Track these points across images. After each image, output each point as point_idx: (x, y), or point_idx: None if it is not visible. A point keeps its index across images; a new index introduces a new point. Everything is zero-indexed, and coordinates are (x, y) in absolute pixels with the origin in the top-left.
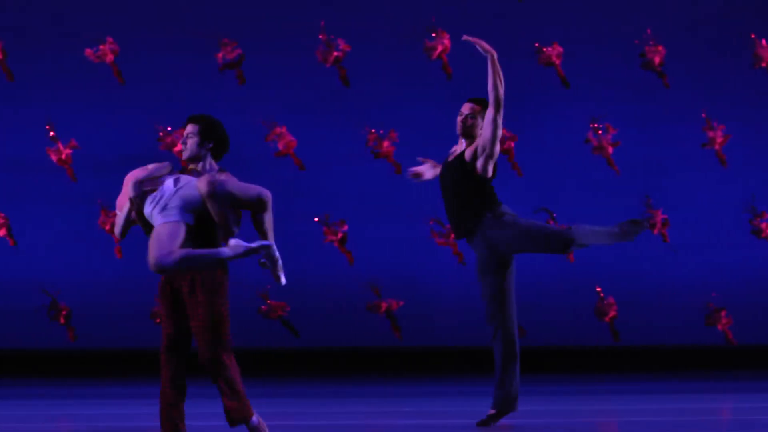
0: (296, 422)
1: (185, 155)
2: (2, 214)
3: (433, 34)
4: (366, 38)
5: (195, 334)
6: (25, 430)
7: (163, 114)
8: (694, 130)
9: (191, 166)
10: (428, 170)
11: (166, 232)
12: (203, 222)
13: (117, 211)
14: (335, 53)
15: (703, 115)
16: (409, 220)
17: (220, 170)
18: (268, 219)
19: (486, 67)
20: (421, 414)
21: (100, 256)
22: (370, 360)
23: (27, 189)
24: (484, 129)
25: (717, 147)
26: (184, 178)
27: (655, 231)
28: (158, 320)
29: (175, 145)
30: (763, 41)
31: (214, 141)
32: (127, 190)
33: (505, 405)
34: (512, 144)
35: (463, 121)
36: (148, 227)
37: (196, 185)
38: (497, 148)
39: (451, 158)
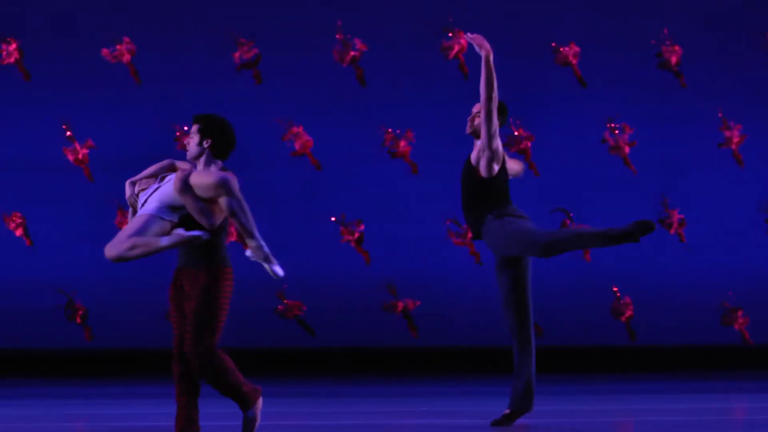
0: (312, 422)
1: (187, 155)
2: (19, 214)
3: (450, 34)
4: (383, 38)
5: (186, 327)
6: (42, 430)
7: (180, 114)
8: (710, 129)
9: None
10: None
11: (132, 223)
12: (190, 219)
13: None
14: (352, 53)
15: (720, 115)
16: (426, 219)
17: (223, 168)
18: (236, 205)
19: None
20: (437, 414)
21: None
22: (386, 360)
23: (44, 189)
24: (480, 129)
25: (733, 147)
26: (169, 176)
27: (672, 231)
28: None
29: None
30: None
31: (212, 139)
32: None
33: (520, 404)
34: (529, 144)
35: (471, 120)
36: None
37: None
38: (495, 146)
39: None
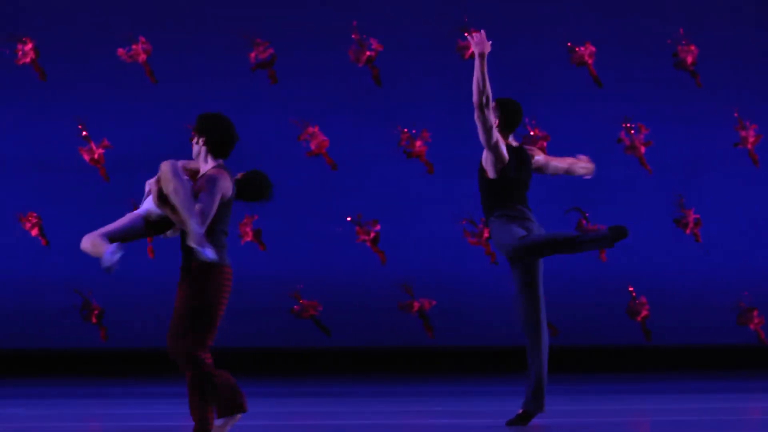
0: (328, 421)
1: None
2: (35, 214)
3: (466, 34)
4: (398, 38)
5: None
6: (58, 429)
7: (196, 113)
8: (726, 129)
9: None
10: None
11: (118, 221)
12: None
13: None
14: (368, 53)
15: (735, 115)
16: (442, 219)
17: (218, 166)
18: (170, 188)
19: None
20: (453, 413)
21: (132, 256)
22: (402, 359)
23: (59, 188)
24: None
25: (749, 146)
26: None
27: (687, 231)
28: None
29: None
30: None
31: (205, 137)
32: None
33: (531, 405)
34: (544, 144)
35: None
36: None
37: None
38: (491, 146)
39: None
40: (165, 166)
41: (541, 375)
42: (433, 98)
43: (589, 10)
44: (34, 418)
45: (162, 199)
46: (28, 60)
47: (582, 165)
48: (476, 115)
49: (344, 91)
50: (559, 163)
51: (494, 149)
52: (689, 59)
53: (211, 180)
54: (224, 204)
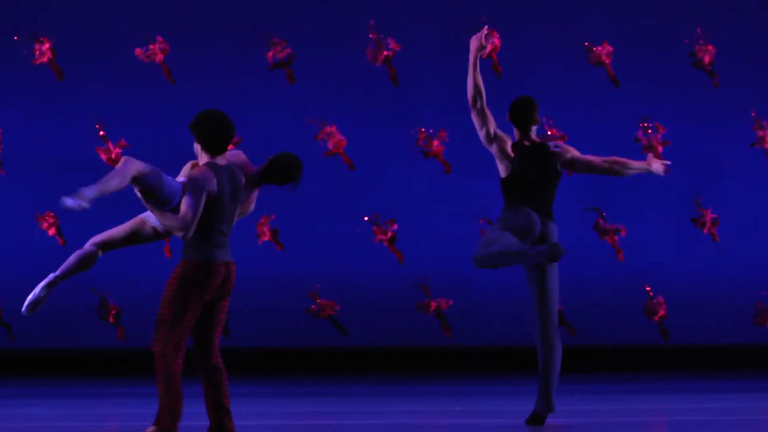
0: (345, 421)
1: None
2: (52, 214)
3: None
4: (416, 37)
5: None
6: (75, 429)
7: None
8: (743, 129)
9: None
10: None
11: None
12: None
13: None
14: (385, 52)
15: (753, 114)
16: (459, 219)
17: (207, 164)
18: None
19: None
20: (470, 413)
21: (150, 256)
22: (419, 359)
23: (76, 188)
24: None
25: (766, 146)
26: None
27: (705, 230)
28: None
29: None
30: None
31: (196, 134)
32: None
33: (539, 405)
34: (562, 143)
35: None
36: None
37: None
38: (489, 146)
39: None
40: (124, 162)
41: (548, 377)
42: (451, 98)
43: (607, 9)
44: (54, 418)
45: (145, 195)
46: (45, 60)
47: (655, 166)
48: (471, 114)
49: (362, 91)
50: (594, 160)
51: (494, 149)
52: (707, 59)
53: (192, 181)
54: (213, 201)
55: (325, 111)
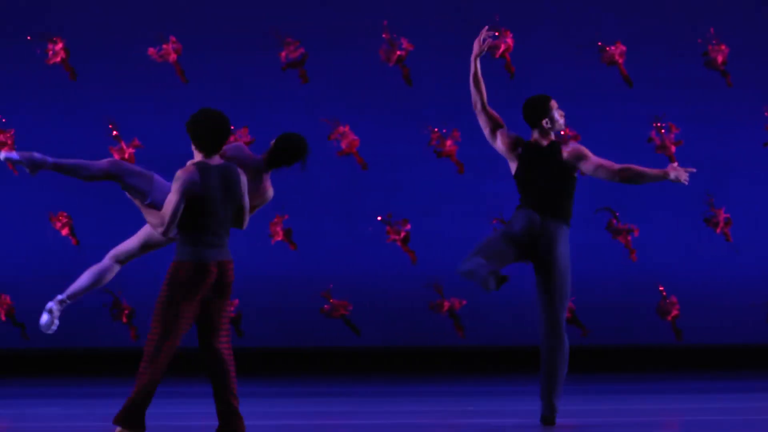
0: (358, 421)
1: None
2: (65, 213)
3: (496, 33)
4: (429, 37)
5: None
6: (88, 429)
7: (226, 113)
8: (756, 128)
9: None
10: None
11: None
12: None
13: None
14: (398, 52)
15: (766, 114)
16: (472, 219)
17: (193, 163)
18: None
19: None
20: (484, 413)
21: (162, 256)
22: (432, 359)
23: (90, 188)
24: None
25: None
26: None
27: (718, 230)
28: None
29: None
30: None
31: (189, 134)
32: None
33: (542, 407)
34: (574, 143)
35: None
36: None
37: None
38: (492, 145)
39: None
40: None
41: (548, 377)
42: (464, 98)
43: (620, 9)
44: (67, 417)
45: (131, 195)
46: (58, 59)
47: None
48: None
49: (375, 91)
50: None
51: (499, 149)
52: (720, 59)
53: (174, 181)
54: (200, 201)
55: (338, 111)
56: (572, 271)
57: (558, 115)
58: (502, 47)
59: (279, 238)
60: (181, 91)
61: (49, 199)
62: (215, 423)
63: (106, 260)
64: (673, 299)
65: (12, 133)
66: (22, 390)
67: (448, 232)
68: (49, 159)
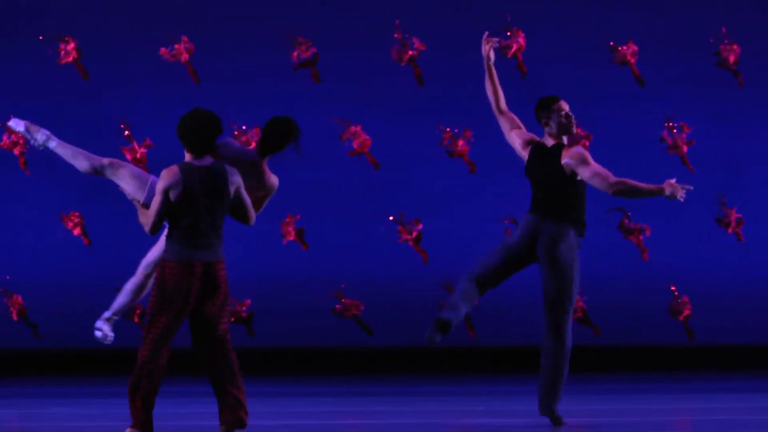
0: (370, 421)
1: None
2: (77, 213)
3: (508, 33)
4: (441, 37)
5: None
6: (101, 429)
7: (238, 113)
8: None
9: None
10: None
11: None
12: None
13: None
14: (410, 52)
15: None
16: (484, 219)
17: (179, 163)
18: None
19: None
20: (496, 413)
21: None
22: (444, 359)
23: (101, 188)
24: None
25: None
26: None
27: (730, 230)
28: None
29: (250, 144)
30: None
31: (178, 135)
32: None
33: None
34: (587, 143)
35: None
36: None
37: None
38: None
39: None
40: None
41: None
42: (476, 97)
43: (632, 9)
44: (80, 417)
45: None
46: (70, 59)
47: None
48: None
49: (387, 91)
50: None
51: (516, 150)
52: (731, 58)
53: (159, 181)
54: (184, 201)
55: (350, 110)
56: (581, 271)
57: (560, 116)
58: (514, 47)
59: (291, 238)
60: (193, 90)
61: (61, 199)
62: (216, 423)
63: (140, 274)
64: (685, 299)
65: None
66: (35, 390)
67: (460, 231)
68: (55, 138)
